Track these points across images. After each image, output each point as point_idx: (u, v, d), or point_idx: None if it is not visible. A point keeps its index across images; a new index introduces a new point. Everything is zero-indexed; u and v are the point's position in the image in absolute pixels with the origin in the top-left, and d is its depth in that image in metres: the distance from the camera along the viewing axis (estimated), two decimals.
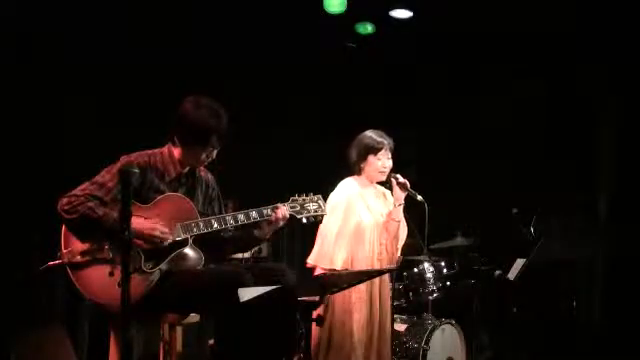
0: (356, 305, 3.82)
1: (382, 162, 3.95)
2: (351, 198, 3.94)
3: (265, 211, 3.13)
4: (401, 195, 3.97)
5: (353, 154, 3.98)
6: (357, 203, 3.96)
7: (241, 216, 3.09)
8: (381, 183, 4.10)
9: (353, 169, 4.03)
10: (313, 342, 3.73)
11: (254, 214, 3.12)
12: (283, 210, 3.14)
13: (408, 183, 3.96)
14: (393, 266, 3.97)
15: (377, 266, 3.89)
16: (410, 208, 4.09)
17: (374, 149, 3.94)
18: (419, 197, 3.96)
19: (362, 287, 3.82)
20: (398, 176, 3.99)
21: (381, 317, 3.92)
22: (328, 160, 4.23)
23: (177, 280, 2.97)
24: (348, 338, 3.78)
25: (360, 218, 3.93)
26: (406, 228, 4.11)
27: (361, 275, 3.37)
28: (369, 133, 3.99)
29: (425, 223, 3.98)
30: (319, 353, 3.78)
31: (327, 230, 3.86)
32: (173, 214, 3.02)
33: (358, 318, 3.82)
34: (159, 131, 3.24)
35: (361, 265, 3.86)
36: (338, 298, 3.77)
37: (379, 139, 3.95)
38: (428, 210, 3.92)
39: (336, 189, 3.97)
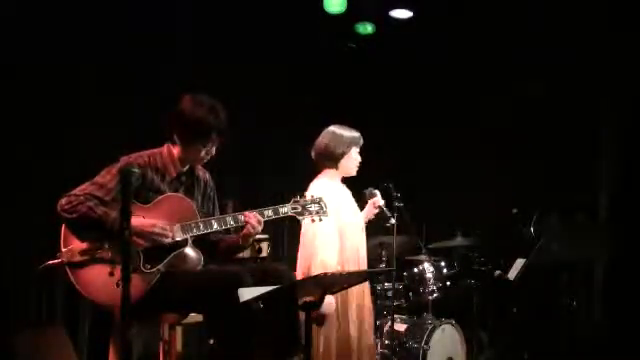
0: (352, 310, 3.74)
1: (358, 156, 3.90)
2: (335, 201, 3.76)
3: (266, 212, 3.13)
4: (373, 212, 3.96)
5: (334, 147, 3.82)
6: (339, 204, 3.80)
7: (241, 217, 3.09)
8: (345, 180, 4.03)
9: (327, 162, 3.86)
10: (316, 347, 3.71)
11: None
12: (251, 215, 3.08)
13: (384, 203, 3.96)
14: (392, 267, 3.97)
15: (362, 264, 3.84)
16: (408, 205, 4.10)
17: (356, 142, 3.87)
18: (392, 221, 3.95)
19: (354, 297, 3.76)
20: (378, 195, 3.96)
21: (367, 327, 3.85)
22: None
23: (177, 280, 2.96)
24: (345, 346, 3.71)
25: (343, 219, 3.80)
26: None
27: (361, 275, 3.37)
28: (339, 128, 3.89)
29: (393, 242, 4.02)
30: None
31: (311, 236, 3.72)
32: (173, 214, 3.03)
33: (356, 323, 3.76)
34: (159, 131, 3.24)
35: (349, 264, 3.76)
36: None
37: (357, 132, 3.90)
38: (397, 231, 3.98)
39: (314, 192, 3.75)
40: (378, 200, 3.96)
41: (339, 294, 3.55)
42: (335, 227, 3.71)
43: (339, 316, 3.70)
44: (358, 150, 3.89)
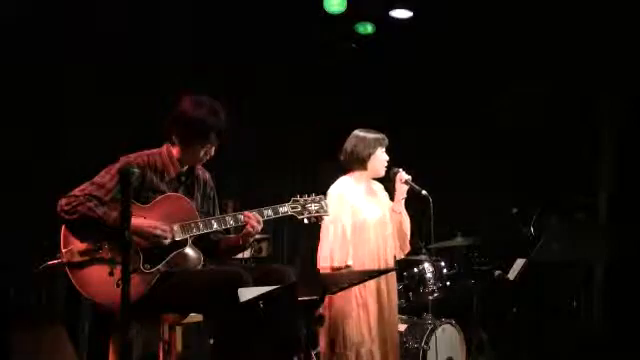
0: (371, 299, 3.85)
1: (385, 155, 4.03)
2: (350, 195, 3.94)
3: (266, 212, 3.13)
4: (403, 190, 4.01)
5: (360, 150, 3.96)
6: (358, 200, 3.97)
7: (241, 217, 3.09)
8: (377, 178, 4.11)
9: (355, 165, 4.00)
10: (322, 338, 3.79)
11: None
12: (251, 215, 3.10)
13: (410, 178, 4.00)
14: (392, 266, 3.97)
15: (382, 260, 3.91)
16: (411, 202, 4.09)
17: (381, 142, 4.00)
18: (423, 192, 3.99)
19: (371, 283, 3.85)
20: (401, 171, 4.02)
21: (388, 312, 3.93)
22: (328, 160, 4.23)
23: (177, 280, 2.96)
24: (366, 333, 3.80)
25: (363, 214, 3.94)
26: (409, 221, 4.11)
27: (361, 275, 3.37)
28: (363, 131, 4.02)
29: (431, 217, 4.00)
30: (333, 351, 3.79)
31: (327, 230, 3.85)
32: (173, 214, 3.02)
33: (375, 311, 3.85)
34: (159, 131, 3.24)
35: (366, 260, 3.87)
36: (350, 294, 3.78)
37: (381, 134, 4.03)
38: (432, 204, 3.95)
39: (333, 188, 3.95)
40: (402, 175, 4.02)
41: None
42: (346, 225, 3.85)
43: (358, 304, 3.81)
44: (384, 150, 4.02)
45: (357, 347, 3.77)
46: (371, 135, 3.99)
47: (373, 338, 3.82)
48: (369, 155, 3.96)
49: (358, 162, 3.98)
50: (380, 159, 4.00)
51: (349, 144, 4.01)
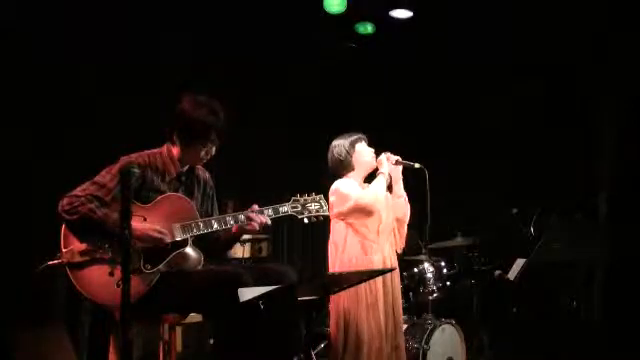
0: (380, 297, 3.85)
1: (368, 148, 4.03)
2: (352, 189, 3.93)
3: (266, 211, 3.13)
4: (398, 171, 4.01)
5: (341, 153, 3.97)
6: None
7: (241, 216, 3.09)
8: (369, 178, 4.10)
9: (344, 170, 4.00)
10: (333, 336, 3.80)
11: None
12: (254, 216, 3.10)
13: (400, 158, 3.99)
14: (394, 266, 3.97)
15: (388, 259, 3.93)
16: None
17: (358, 140, 4.01)
18: (417, 165, 3.98)
19: (379, 280, 3.86)
20: (383, 155, 4.00)
21: (393, 309, 3.95)
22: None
23: (177, 280, 2.97)
24: (375, 331, 3.80)
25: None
26: (408, 205, 4.10)
27: (361, 275, 3.38)
28: (337, 138, 4.04)
29: (427, 191, 3.98)
30: (345, 349, 3.79)
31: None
32: (173, 214, 3.03)
33: (383, 309, 3.86)
34: (159, 131, 3.24)
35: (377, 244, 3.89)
36: (360, 292, 3.79)
37: (357, 134, 4.03)
38: (428, 176, 3.94)
39: (339, 182, 3.95)
40: (391, 157, 3.98)
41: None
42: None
43: (367, 302, 3.80)
44: (365, 144, 4.02)
45: (368, 345, 3.77)
46: (345, 138, 4.01)
47: (383, 335, 3.82)
48: (349, 155, 3.96)
49: (343, 166, 3.99)
50: (364, 152, 4.00)
51: (330, 156, 4.03)
